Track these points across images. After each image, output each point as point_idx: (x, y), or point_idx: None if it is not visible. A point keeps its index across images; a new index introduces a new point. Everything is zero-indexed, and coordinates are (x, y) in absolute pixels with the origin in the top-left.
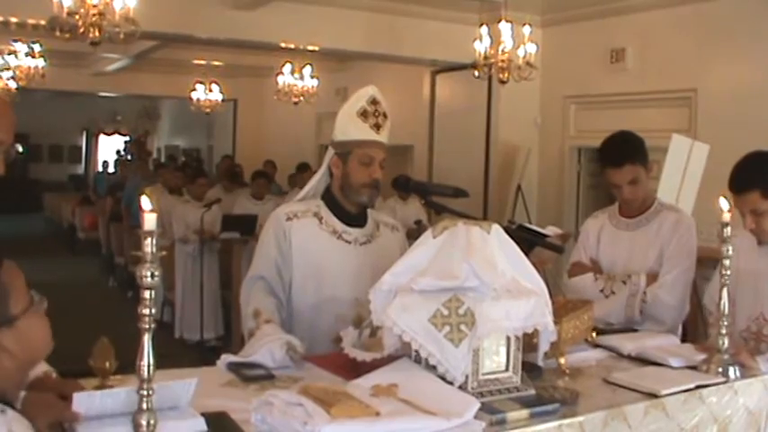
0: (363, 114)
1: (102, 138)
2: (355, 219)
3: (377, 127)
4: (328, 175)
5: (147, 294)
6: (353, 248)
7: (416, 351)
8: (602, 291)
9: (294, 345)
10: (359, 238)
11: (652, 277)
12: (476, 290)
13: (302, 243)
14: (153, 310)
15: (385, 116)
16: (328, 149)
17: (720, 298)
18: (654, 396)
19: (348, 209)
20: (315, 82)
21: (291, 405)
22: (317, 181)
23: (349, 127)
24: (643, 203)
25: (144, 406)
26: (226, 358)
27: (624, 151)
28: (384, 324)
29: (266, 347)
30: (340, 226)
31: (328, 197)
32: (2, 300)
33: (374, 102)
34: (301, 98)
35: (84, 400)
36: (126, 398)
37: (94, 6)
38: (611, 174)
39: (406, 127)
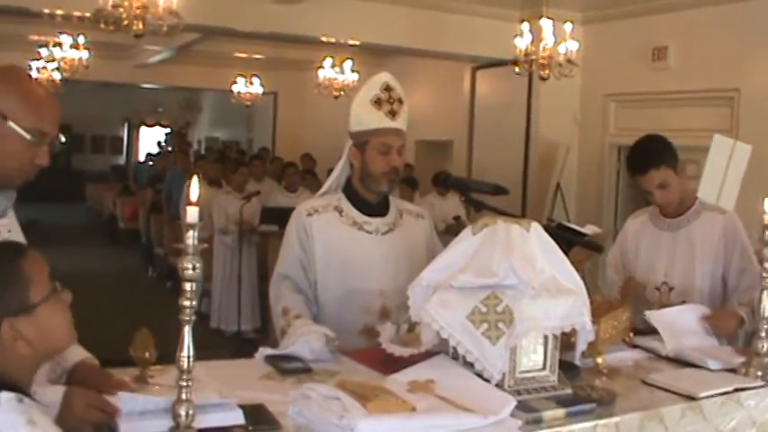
0: (377, 102)
1: (143, 129)
2: (376, 208)
3: (392, 114)
4: (349, 167)
5: (188, 286)
6: (375, 238)
7: (454, 348)
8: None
9: (331, 336)
10: (380, 227)
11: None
12: (514, 288)
13: (324, 237)
14: (194, 303)
15: (400, 102)
16: (347, 141)
17: (760, 301)
18: (691, 398)
19: (368, 199)
20: (355, 76)
21: (328, 399)
22: (337, 174)
23: (364, 116)
24: (682, 204)
25: (183, 397)
26: (264, 351)
27: (647, 157)
28: (422, 320)
29: (303, 339)
30: (360, 217)
31: (348, 189)
32: (22, 288)
33: (387, 88)
34: (342, 92)
35: (128, 402)
36: (166, 405)
37: None
38: (639, 181)
39: (446, 122)
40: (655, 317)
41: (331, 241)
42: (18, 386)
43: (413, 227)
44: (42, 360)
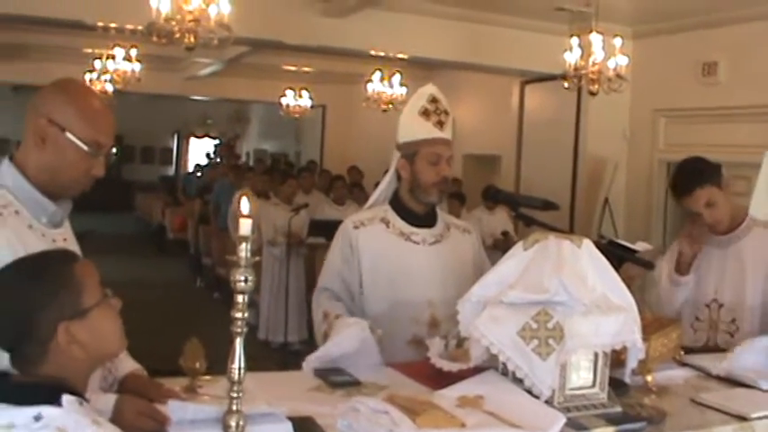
0: (425, 113)
1: (192, 140)
2: (423, 219)
3: (440, 124)
4: (396, 180)
5: (240, 299)
6: (422, 249)
7: (504, 363)
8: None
9: (374, 327)
10: (427, 238)
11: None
12: (565, 304)
13: (371, 249)
14: (246, 314)
15: (446, 113)
16: (394, 153)
17: None
18: (743, 419)
19: (416, 210)
20: (404, 90)
21: (377, 412)
22: (384, 186)
23: (413, 127)
24: (732, 221)
25: (234, 408)
26: (311, 359)
27: (690, 178)
28: (472, 335)
29: (348, 331)
30: (407, 228)
31: (395, 201)
32: (75, 293)
33: (434, 100)
34: (390, 105)
35: (178, 411)
36: (216, 414)
37: (190, 13)
38: (686, 203)
39: (494, 137)
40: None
41: (378, 253)
42: (75, 391)
43: (460, 241)
44: (95, 365)
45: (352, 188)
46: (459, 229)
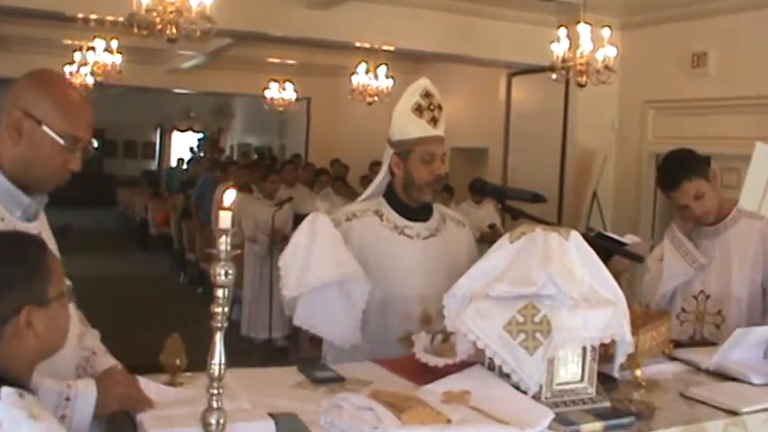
0: (418, 110)
1: (175, 134)
2: (418, 213)
3: (434, 121)
4: (389, 175)
5: (220, 293)
6: (416, 243)
7: (490, 358)
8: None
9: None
10: (421, 232)
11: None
12: (553, 298)
13: (363, 242)
14: (226, 309)
15: (440, 108)
16: (386, 149)
17: None
18: (734, 413)
19: (410, 204)
20: (390, 82)
21: (361, 409)
22: (379, 181)
23: (406, 125)
24: (720, 212)
25: (214, 405)
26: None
27: (677, 171)
28: (458, 330)
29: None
30: (401, 221)
31: (389, 193)
32: (45, 280)
33: (427, 94)
34: (375, 98)
35: (143, 387)
36: (182, 396)
37: (172, 4)
38: (673, 196)
39: (482, 129)
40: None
41: (371, 246)
42: (18, 381)
43: (455, 234)
44: (41, 358)
45: (334, 182)
46: (454, 222)
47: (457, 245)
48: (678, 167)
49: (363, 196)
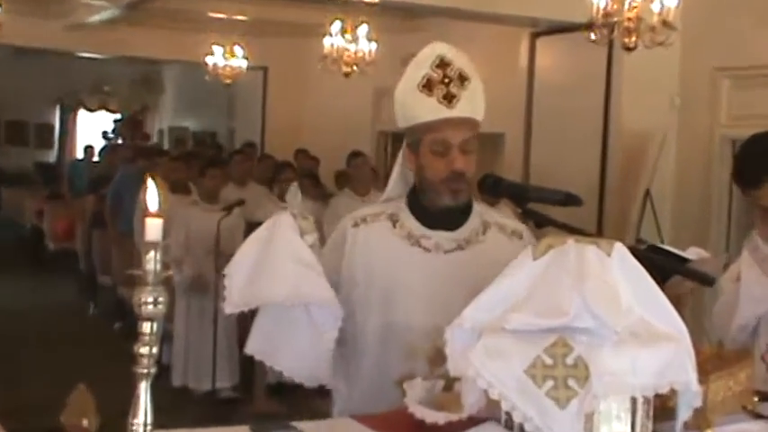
0: (427, 85)
1: (82, 114)
2: (441, 219)
3: (448, 98)
4: (409, 172)
5: (146, 327)
6: (434, 258)
7: (507, 413)
8: None
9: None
10: (443, 244)
11: None
12: (590, 332)
13: (368, 253)
14: (154, 350)
15: (462, 79)
16: (404, 141)
17: None
18: None
19: (429, 208)
20: (373, 46)
21: None
22: (393, 182)
23: (411, 106)
24: None
25: None
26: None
27: (760, 164)
28: (464, 374)
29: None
30: (419, 229)
31: (411, 195)
32: None
33: (442, 64)
34: (354, 68)
35: None
36: None
37: None
38: (756, 197)
39: (496, 109)
40: None
41: (376, 258)
42: None
43: (499, 246)
44: None
45: (300, 179)
46: (504, 231)
47: (498, 262)
48: (763, 158)
49: (384, 197)
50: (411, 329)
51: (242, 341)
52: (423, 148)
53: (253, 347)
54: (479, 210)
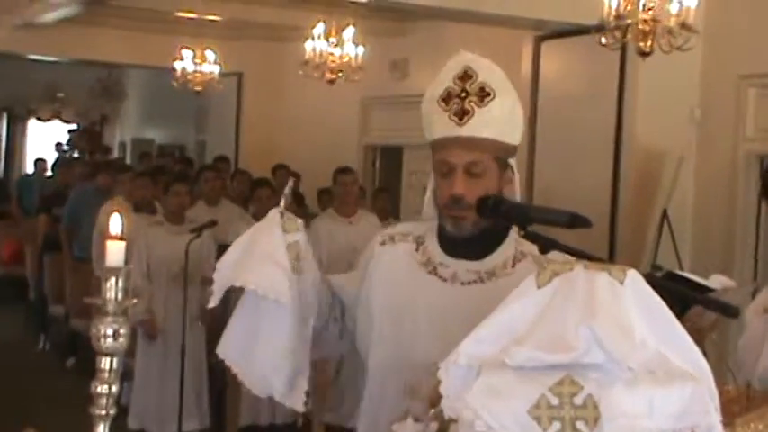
0: (446, 99)
1: (32, 124)
2: (467, 248)
3: (459, 115)
4: None
5: (106, 364)
6: (450, 289)
7: None
8: None
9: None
10: (461, 274)
11: None
12: (601, 368)
13: (387, 275)
14: (114, 388)
15: (482, 94)
16: None
17: None
18: None
19: (453, 234)
20: (360, 50)
21: None
22: (426, 202)
23: (429, 120)
24: None
25: None
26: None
27: None
28: (460, 416)
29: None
30: (439, 256)
31: (441, 218)
32: None
33: (464, 76)
34: (340, 74)
35: None
36: None
37: None
38: None
39: None
40: None
41: (392, 281)
42: None
43: None
44: None
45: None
46: (540, 264)
47: None
48: None
49: (422, 215)
50: (412, 365)
51: (213, 378)
52: (434, 168)
53: (221, 348)
54: (515, 238)
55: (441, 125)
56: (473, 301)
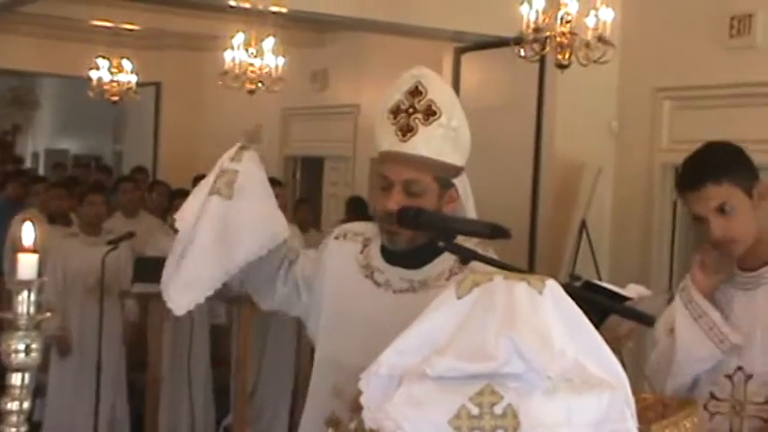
0: (394, 112)
1: None
2: (400, 256)
3: (404, 130)
4: None
5: (16, 379)
6: (382, 295)
7: None
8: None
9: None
10: (394, 282)
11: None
12: (520, 378)
13: (333, 273)
14: (26, 405)
15: (428, 113)
16: None
17: None
18: None
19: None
20: (281, 61)
21: None
22: None
23: (377, 131)
24: (765, 249)
25: None
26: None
27: (704, 167)
28: (381, 427)
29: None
30: (378, 261)
31: None
32: None
33: (415, 92)
34: (260, 85)
35: None
36: None
37: None
38: (690, 202)
39: None
40: None
41: (336, 282)
42: None
43: None
44: None
45: None
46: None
47: None
48: (707, 162)
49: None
50: (339, 368)
51: (134, 394)
52: (377, 178)
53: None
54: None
55: (386, 138)
56: (402, 310)
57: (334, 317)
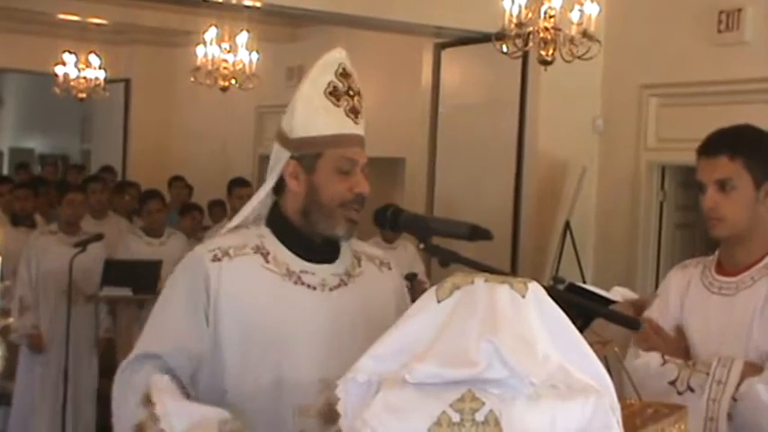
0: (334, 94)
1: None
2: (320, 251)
3: (354, 113)
4: (273, 192)
5: None
6: (322, 297)
7: None
8: (672, 383)
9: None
10: (327, 279)
11: (751, 368)
12: (503, 384)
13: (238, 296)
14: None
15: (360, 95)
16: (275, 152)
17: None
18: None
19: (311, 237)
20: (254, 57)
21: None
22: (259, 201)
23: (314, 115)
24: (749, 251)
25: None
26: None
27: (728, 138)
28: None
29: None
30: (297, 263)
31: (278, 221)
32: None
33: (345, 73)
34: (233, 81)
35: None
36: None
37: None
38: (700, 167)
39: (395, 131)
40: None
41: (249, 302)
42: None
43: (377, 280)
44: None
45: (182, 213)
46: (374, 263)
47: (380, 298)
48: (732, 136)
49: (234, 222)
50: (300, 386)
51: (102, 401)
52: (324, 164)
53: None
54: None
55: (334, 121)
56: (344, 306)
57: (267, 339)
